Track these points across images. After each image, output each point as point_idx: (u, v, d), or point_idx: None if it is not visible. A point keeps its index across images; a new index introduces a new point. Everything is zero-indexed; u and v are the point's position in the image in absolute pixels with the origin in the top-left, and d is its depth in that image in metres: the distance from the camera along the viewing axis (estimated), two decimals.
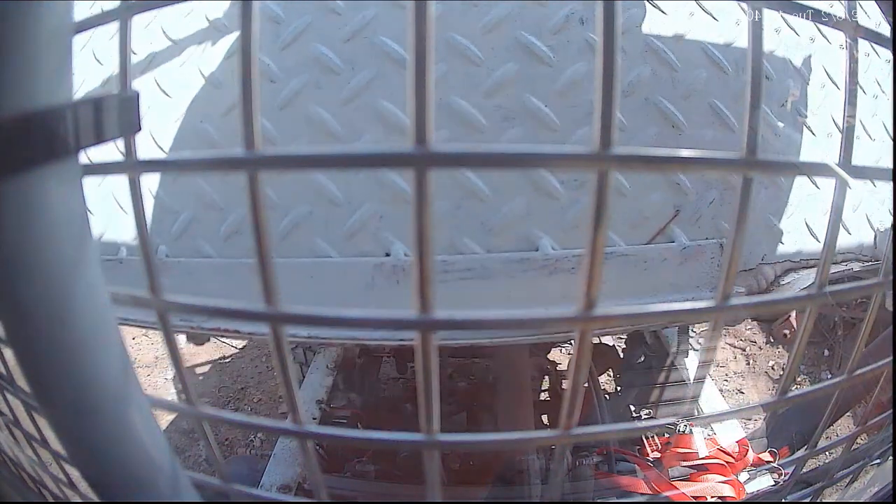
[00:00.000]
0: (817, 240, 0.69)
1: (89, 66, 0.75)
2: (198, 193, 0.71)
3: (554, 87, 0.65)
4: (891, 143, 0.74)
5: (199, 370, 3.71)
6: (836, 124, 0.72)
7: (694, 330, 2.07)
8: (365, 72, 0.67)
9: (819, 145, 0.71)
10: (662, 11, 0.67)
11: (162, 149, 0.73)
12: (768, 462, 1.16)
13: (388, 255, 0.65)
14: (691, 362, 1.73)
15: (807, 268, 0.67)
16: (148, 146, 0.72)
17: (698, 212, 0.66)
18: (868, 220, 0.72)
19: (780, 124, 0.70)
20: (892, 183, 0.30)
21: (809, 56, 0.72)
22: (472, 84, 0.65)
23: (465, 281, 0.63)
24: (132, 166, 0.26)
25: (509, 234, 0.64)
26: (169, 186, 0.72)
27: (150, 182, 0.72)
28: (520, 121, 0.66)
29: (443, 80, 0.66)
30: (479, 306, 0.63)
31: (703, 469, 1.18)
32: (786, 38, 0.71)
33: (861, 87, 0.72)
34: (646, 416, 1.71)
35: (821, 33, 0.73)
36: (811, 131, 0.70)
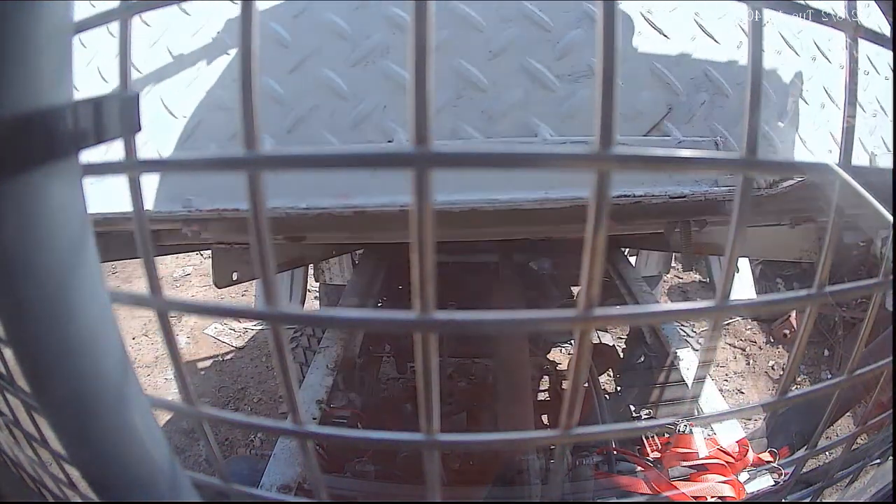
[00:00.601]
0: (811, 152, 0.71)
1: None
2: (208, 98, 0.73)
3: None
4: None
5: (199, 370, 3.72)
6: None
7: (694, 330, 2.07)
8: None
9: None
10: None
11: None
12: (768, 462, 1.16)
13: (390, 141, 0.67)
14: (691, 362, 1.73)
15: (801, 179, 0.69)
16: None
17: (691, 111, 0.69)
18: (861, 144, 0.74)
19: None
20: (892, 182, 0.30)
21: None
22: None
23: None
24: (132, 166, 0.26)
25: (508, 122, 0.67)
26: (179, 93, 0.73)
27: (161, 92, 0.74)
28: (516, 22, 0.69)
29: None
30: (480, 188, 0.66)
31: (703, 469, 1.18)
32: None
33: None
34: (646, 416, 1.71)
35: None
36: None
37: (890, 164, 0.74)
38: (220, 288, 1.55)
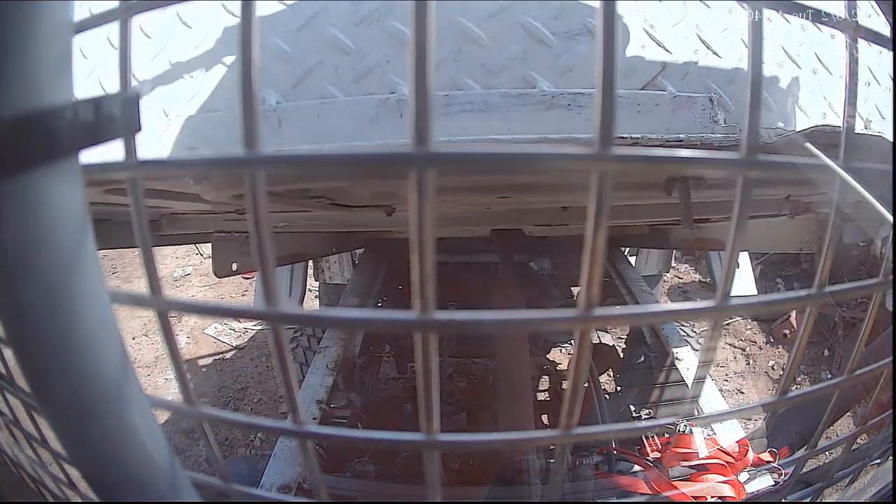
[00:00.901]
0: (806, 115, 0.73)
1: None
2: (216, 56, 0.76)
3: None
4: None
5: (199, 370, 3.72)
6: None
7: (694, 330, 2.07)
8: None
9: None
10: None
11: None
12: (768, 462, 1.16)
13: (392, 93, 0.70)
14: (691, 362, 1.73)
15: (805, 129, 0.72)
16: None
17: (685, 69, 0.71)
18: (857, 112, 0.77)
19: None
20: (892, 184, 0.30)
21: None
22: None
23: (467, 113, 0.68)
24: (132, 166, 0.26)
25: (507, 75, 0.70)
26: (188, 53, 0.76)
27: (170, 53, 0.77)
28: None
29: None
30: (480, 134, 0.69)
31: (703, 469, 1.18)
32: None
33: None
34: (646, 416, 1.71)
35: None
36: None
37: (882, 129, 0.76)
38: (219, 277, 1.56)
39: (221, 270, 1.53)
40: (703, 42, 0.71)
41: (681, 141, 0.68)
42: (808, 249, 1.41)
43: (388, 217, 1.31)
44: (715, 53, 0.71)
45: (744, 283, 2.69)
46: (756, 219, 1.42)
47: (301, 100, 0.71)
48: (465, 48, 0.69)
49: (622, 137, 0.67)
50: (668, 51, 0.70)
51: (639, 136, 0.68)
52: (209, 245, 1.57)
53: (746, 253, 2.74)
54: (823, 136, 0.69)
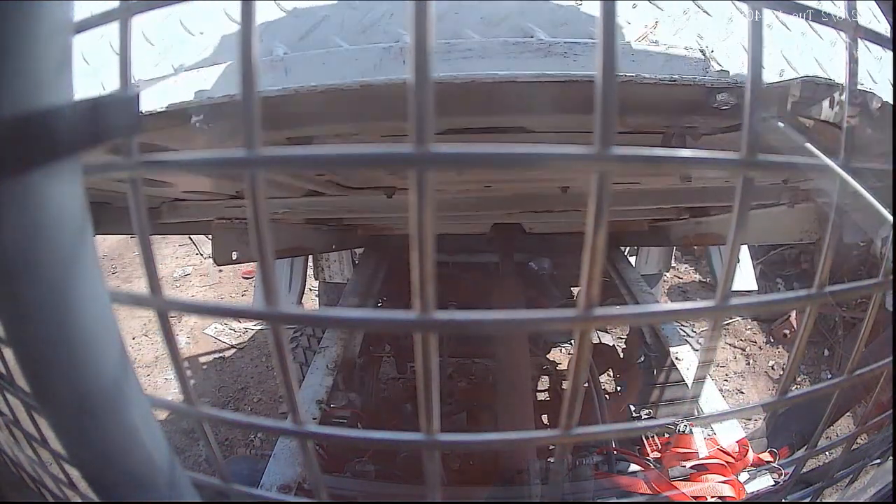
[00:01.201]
0: (795, 71, 0.76)
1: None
2: (224, 18, 0.78)
3: None
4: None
5: (199, 370, 3.72)
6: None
7: (694, 330, 2.07)
8: None
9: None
10: None
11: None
12: (768, 462, 1.16)
13: (397, 41, 0.73)
14: (691, 362, 1.73)
15: (803, 77, 0.75)
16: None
17: (677, 25, 0.75)
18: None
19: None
20: (892, 184, 0.30)
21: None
22: None
23: (467, 60, 0.72)
24: (132, 166, 0.26)
25: (506, 26, 0.74)
26: (197, 14, 0.79)
27: (180, 14, 0.79)
28: None
29: None
30: (481, 72, 0.73)
31: (703, 469, 1.18)
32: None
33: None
34: (646, 416, 1.71)
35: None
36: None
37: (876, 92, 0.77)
38: (219, 265, 1.57)
39: (221, 258, 1.54)
40: (694, 1, 0.74)
41: (674, 80, 0.71)
42: (808, 239, 1.41)
43: (388, 200, 1.31)
44: (706, 13, 0.73)
45: (744, 277, 2.68)
46: (755, 209, 1.42)
47: (307, 50, 0.74)
48: (465, 2, 0.72)
49: (617, 75, 0.70)
50: (660, 8, 0.72)
51: (633, 74, 0.70)
52: (209, 245, 1.58)
53: (746, 248, 2.74)
54: (812, 88, 0.71)
